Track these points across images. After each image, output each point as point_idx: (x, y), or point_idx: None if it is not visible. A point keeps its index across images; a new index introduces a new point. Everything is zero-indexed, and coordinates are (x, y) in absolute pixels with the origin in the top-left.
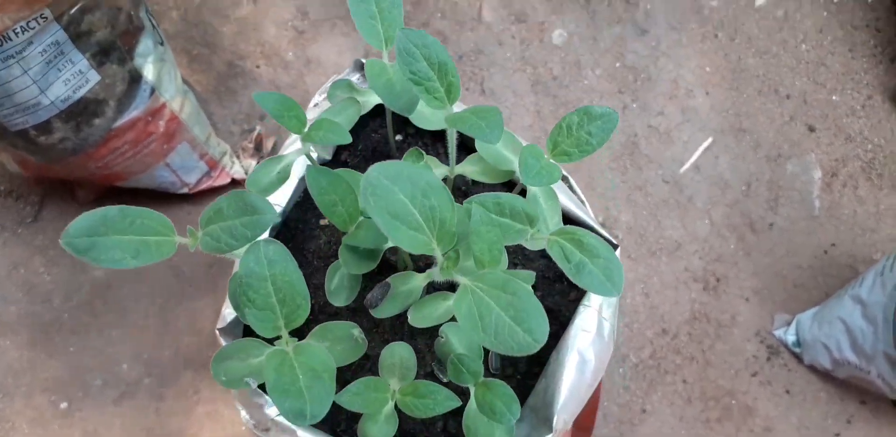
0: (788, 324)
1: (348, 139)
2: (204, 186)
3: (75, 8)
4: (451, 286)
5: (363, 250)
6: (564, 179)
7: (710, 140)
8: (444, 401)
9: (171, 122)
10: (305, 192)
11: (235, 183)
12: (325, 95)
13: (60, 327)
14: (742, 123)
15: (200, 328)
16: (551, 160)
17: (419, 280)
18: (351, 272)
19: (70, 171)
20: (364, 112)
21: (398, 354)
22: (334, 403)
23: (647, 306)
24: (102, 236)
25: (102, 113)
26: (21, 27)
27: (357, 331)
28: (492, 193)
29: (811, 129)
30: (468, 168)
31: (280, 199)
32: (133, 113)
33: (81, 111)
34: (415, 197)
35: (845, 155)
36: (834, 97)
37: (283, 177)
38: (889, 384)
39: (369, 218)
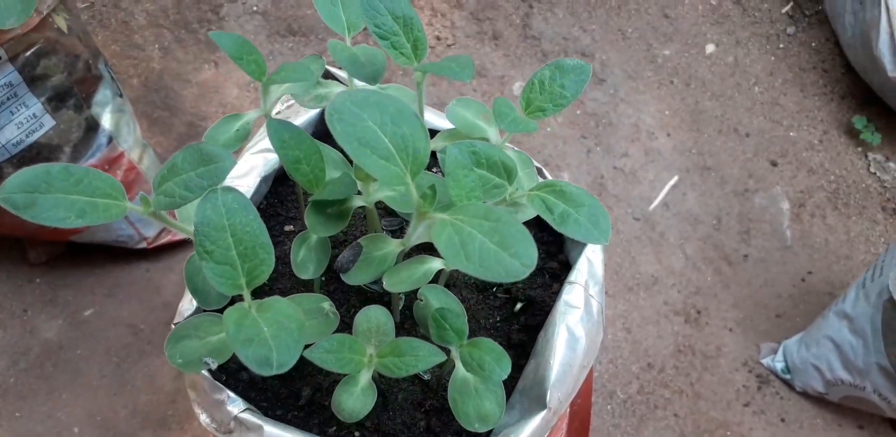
0: (775, 352)
1: (311, 78)
2: (163, 240)
3: (31, 50)
4: (430, 250)
5: (331, 213)
6: (539, 170)
7: (676, 178)
8: (428, 357)
9: (129, 171)
10: (269, 194)
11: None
12: (288, 103)
13: (5, 392)
14: (706, 161)
15: (159, 386)
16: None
17: (394, 246)
18: (318, 235)
19: (20, 223)
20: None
21: (374, 318)
22: (308, 403)
23: (630, 342)
24: (45, 193)
25: (56, 159)
26: None
27: (328, 304)
28: (467, 140)
29: (774, 163)
30: (440, 143)
31: None
32: (89, 161)
33: (34, 157)
34: (384, 124)
35: (810, 186)
36: (792, 133)
37: (242, 134)
38: (886, 399)
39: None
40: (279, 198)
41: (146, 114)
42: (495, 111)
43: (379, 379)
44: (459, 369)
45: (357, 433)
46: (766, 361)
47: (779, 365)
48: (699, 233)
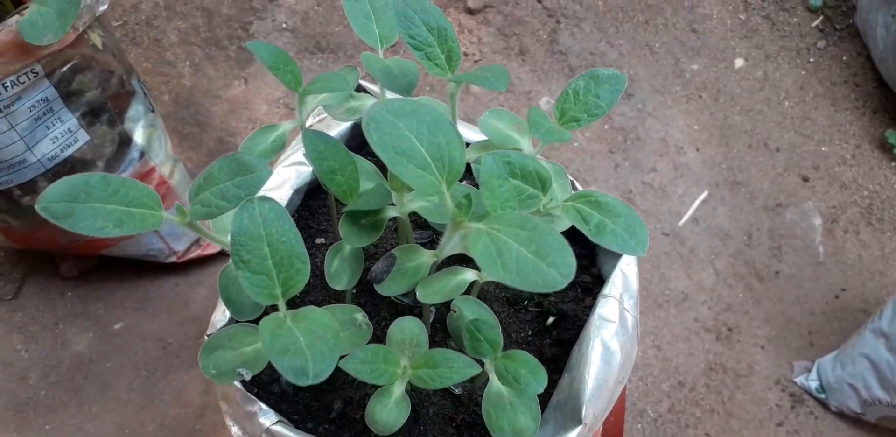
0: (809, 370)
1: (347, 88)
2: (193, 254)
3: (67, 66)
4: (461, 261)
5: (365, 224)
6: (571, 183)
7: (705, 193)
8: (463, 368)
9: (160, 186)
10: (300, 208)
11: (225, 253)
12: (320, 117)
13: (36, 404)
14: (735, 176)
15: (188, 400)
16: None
17: (427, 257)
18: (352, 246)
19: (54, 237)
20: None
21: (408, 329)
22: (339, 417)
23: (660, 359)
24: (83, 202)
25: None
26: (11, 81)
27: (361, 315)
28: (501, 150)
29: (805, 179)
30: (473, 154)
31: None
32: (122, 175)
33: (68, 171)
34: (421, 134)
35: (843, 202)
36: (823, 148)
37: (278, 145)
38: None
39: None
40: (310, 211)
41: (177, 130)
42: (529, 121)
43: (410, 392)
44: (494, 382)
45: None
46: (799, 379)
47: (813, 384)
48: (730, 249)
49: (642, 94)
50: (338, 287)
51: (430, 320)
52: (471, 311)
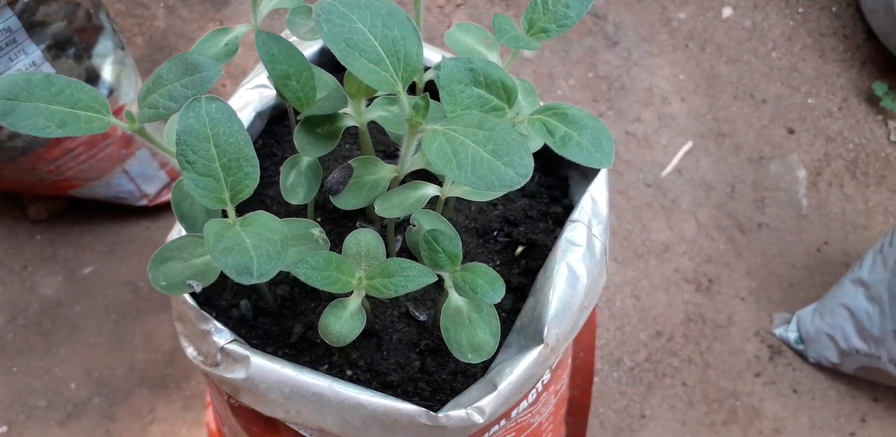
0: (788, 322)
1: None
2: (164, 197)
3: None
4: (423, 176)
5: (321, 133)
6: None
7: (689, 144)
8: (418, 277)
9: None
10: (264, 134)
11: None
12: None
13: (3, 347)
14: (721, 127)
15: (158, 345)
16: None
17: (387, 171)
18: (308, 156)
19: (19, 176)
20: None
21: (364, 241)
22: (299, 341)
23: (639, 309)
24: (24, 101)
25: None
26: None
27: (318, 230)
28: (463, 56)
29: (790, 131)
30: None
31: None
32: None
33: None
34: (375, 27)
35: (828, 154)
36: (810, 100)
37: (231, 49)
38: None
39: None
40: (275, 138)
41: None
42: (495, 27)
43: (373, 320)
44: (452, 297)
45: (349, 372)
46: (778, 331)
47: (792, 335)
48: (713, 200)
49: (628, 42)
50: (294, 201)
51: (396, 250)
52: (430, 224)
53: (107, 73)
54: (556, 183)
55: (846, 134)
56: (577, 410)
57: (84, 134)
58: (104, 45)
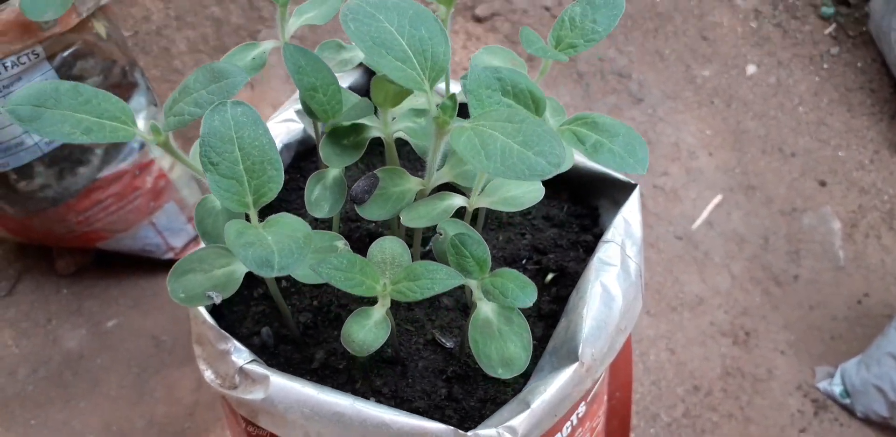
0: (832, 375)
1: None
2: (191, 251)
3: (69, 51)
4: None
5: (347, 144)
6: None
7: (719, 197)
8: (445, 279)
9: (159, 179)
10: (291, 168)
11: None
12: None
13: (23, 399)
14: (750, 180)
15: (179, 398)
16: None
17: (413, 184)
18: (333, 167)
19: (49, 227)
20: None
21: (389, 249)
22: (321, 367)
23: (674, 363)
24: (51, 108)
25: (88, 161)
26: (12, 61)
27: (342, 243)
28: (490, 66)
29: (822, 183)
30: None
31: None
32: (120, 165)
33: (66, 157)
34: (402, 26)
35: (862, 206)
36: (840, 153)
37: (258, 64)
38: None
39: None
40: (302, 173)
41: (182, 133)
42: (522, 39)
43: (398, 347)
44: (482, 309)
45: (373, 400)
46: (822, 385)
47: (837, 389)
48: (745, 253)
49: (652, 99)
50: (318, 215)
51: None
52: (457, 232)
53: (140, 127)
54: (585, 212)
55: (880, 185)
56: None
57: (109, 141)
58: (138, 100)
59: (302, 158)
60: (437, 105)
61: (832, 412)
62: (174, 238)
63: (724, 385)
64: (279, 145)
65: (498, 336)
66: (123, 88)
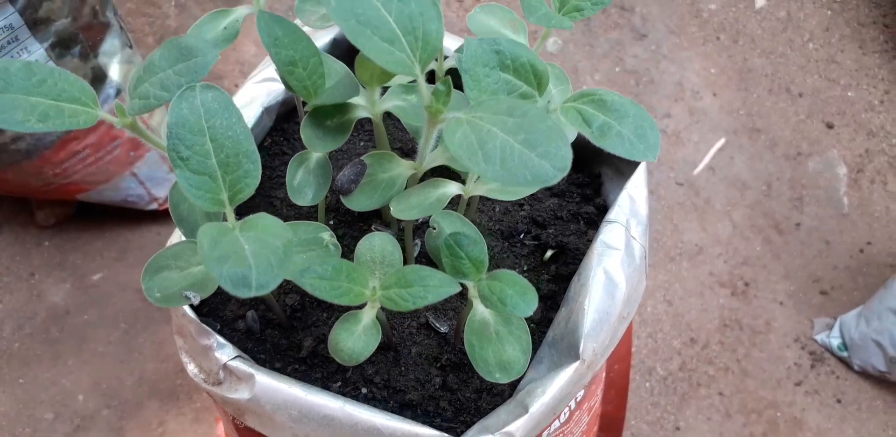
0: (830, 327)
1: None
2: None
3: None
4: (444, 174)
5: (331, 125)
6: None
7: (722, 141)
8: (440, 287)
9: None
10: (273, 131)
11: None
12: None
13: (10, 357)
14: (755, 122)
15: (168, 355)
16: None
17: (404, 167)
18: (316, 150)
19: (25, 180)
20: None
21: (378, 247)
22: (310, 356)
23: (671, 315)
24: (1, 92)
25: None
26: None
27: (328, 235)
28: (489, 38)
29: (829, 125)
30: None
31: None
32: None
33: None
34: (388, 1)
35: (869, 150)
36: (849, 93)
37: (230, 34)
38: None
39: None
40: (285, 136)
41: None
42: (523, 5)
43: (390, 332)
44: (478, 309)
45: (364, 390)
46: (820, 337)
47: (835, 342)
48: (748, 199)
49: (656, 34)
50: (301, 203)
51: (415, 255)
52: (452, 227)
53: (114, 72)
54: (587, 181)
55: (888, 128)
56: (610, 425)
57: (69, 128)
58: (111, 43)
59: (285, 119)
60: (431, 92)
61: (829, 365)
62: (157, 188)
63: (721, 338)
64: (259, 109)
65: (495, 339)
66: (95, 29)
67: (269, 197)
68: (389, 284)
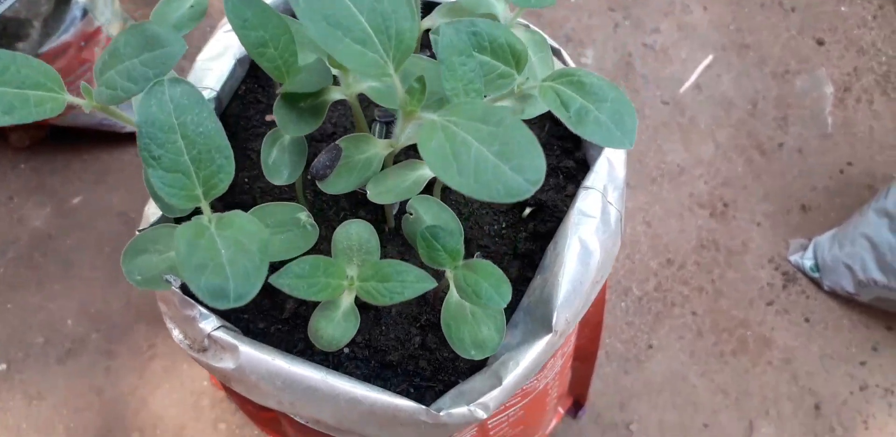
0: (805, 248)
1: None
2: None
3: None
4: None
5: (304, 107)
6: (556, 52)
7: (710, 58)
8: (416, 283)
9: None
10: (247, 78)
11: None
12: None
13: None
14: (745, 38)
15: None
16: None
17: (380, 148)
18: (290, 134)
19: None
20: None
21: (356, 234)
22: (292, 317)
23: (650, 236)
24: None
25: (26, 36)
26: None
27: (305, 215)
28: (467, 18)
29: (820, 42)
30: (436, 20)
31: (212, 82)
32: (62, 37)
33: (0, 32)
34: (361, 0)
35: (858, 69)
36: (842, 8)
37: (198, 12)
38: None
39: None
40: (259, 83)
41: None
42: None
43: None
44: (454, 292)
45: (346, 350)
46: (794, 258)
47: (808, 263)
48: (732, 119)
49: None
50: (277, 182)
51: (395, 212)
52: (430, 214)
53: None
54: (568, 133)
55: (879, 45)
56: (584, 356)
57: (36, 118)
58: None
59: (258, 66)
60: (405, 90)
61: (800, 285)
62: (132, 110)
63: (697, 258)
64: (232, 61)
65: (471, 320)
66: None
67: (245, 150)
68: (367, 276)
